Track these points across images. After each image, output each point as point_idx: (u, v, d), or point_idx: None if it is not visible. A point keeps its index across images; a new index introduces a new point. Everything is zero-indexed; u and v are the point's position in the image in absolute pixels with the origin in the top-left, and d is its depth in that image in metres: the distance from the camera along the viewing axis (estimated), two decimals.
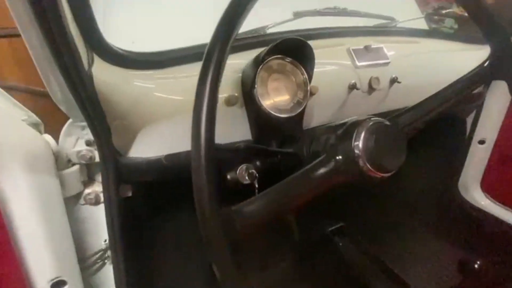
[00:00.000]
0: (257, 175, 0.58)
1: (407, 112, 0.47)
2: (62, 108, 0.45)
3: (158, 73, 0.51)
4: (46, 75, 0.38)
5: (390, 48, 0.75)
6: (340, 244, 0.98)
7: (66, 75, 0.35)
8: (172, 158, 0.53)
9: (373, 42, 0.73)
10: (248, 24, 0.68)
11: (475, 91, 0.89)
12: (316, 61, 0.65)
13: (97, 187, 0.57)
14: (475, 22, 0.48)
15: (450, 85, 0.51)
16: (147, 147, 0.53)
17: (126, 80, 0.46)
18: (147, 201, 0.61)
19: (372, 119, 0.40)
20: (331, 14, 0.68)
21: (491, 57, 0.52)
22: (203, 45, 0.57)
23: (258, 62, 0.54)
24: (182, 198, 0.70)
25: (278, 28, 0.67)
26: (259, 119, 0.57)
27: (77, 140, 0.52)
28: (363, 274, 0.90)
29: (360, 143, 0.37)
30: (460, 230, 1.09)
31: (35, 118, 0.50)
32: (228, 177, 0.60)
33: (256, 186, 0.57)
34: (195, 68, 0.54)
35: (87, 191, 0.56)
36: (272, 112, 0.55)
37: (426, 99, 0.49)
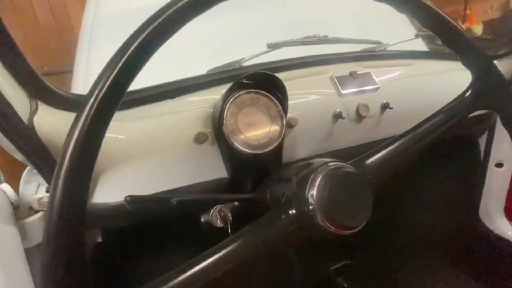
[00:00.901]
0: (231, 218, 0.53)
1: (375, 153, 0.40)
2: (16, 156, 0.43)
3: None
4: None
5: (378, 72, 0.70)
6: (345, 285, 0.89)
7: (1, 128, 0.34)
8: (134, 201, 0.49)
9: (360, 67, 0.70)
10: (224, 57, 0.68)
11: (484, 112, 0.82)
12: (296, 91, 0.61)
13: None
14: (450, 48, 0.43)
15: (428, 118, 0.45)
16: (110, 192, 0.50)
17: None
18: (115, 249, 0.57)
19: (331, 163, 0.34)
20: (309, 43, 0.65)
21: (472, 85, 0.46)
22: (159, 86, 0.55)
23: (225, 97, 0.51)
24: (154, 245, 0.66)
25: (256, 60, 0.65)
26: (232, 156, 0.53)
27: (38, 186, 0.50)
28: None
29: (314, 192, 0.32)
30: (484, 264, 0.97)
31: None
32: (202, 219, 0.56)
33: (229, 231, 0.52)
34: (153, 109, 0.52)
35: None
36: (243, 149, 0.52)
37: (397, 137, 0.43)
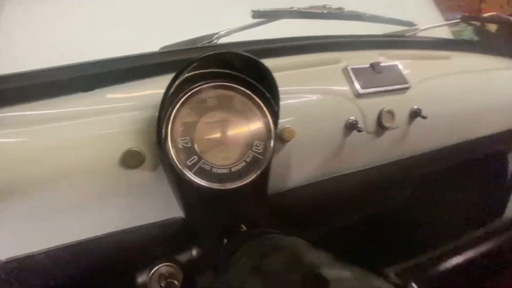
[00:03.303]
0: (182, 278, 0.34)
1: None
2: None
3: None
4: None
5: (408, 66, 0.50)
6: None
7: None
8: (18, 265, 0.29)
9: (384, 57, 0.49)
10: (188, 31, 0.46)
11: None
12: (291, 87, 0.41)
13: None
14: None
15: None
16: None
17: None
18: None
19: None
20: (315, 16, 0.44)
21: None
22: (66, 68, 0.33)
23: (174, 92, 0.31)
24: None
25: (235, 37, 0.43)
26: (184, 190, 0.33)
27: None
28: None
29: None
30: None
31: None
32: (138, 280, 0.36)
33: None
34: (52, 108, 0.30)
35: None
36: (202, 183, 0.31)
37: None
